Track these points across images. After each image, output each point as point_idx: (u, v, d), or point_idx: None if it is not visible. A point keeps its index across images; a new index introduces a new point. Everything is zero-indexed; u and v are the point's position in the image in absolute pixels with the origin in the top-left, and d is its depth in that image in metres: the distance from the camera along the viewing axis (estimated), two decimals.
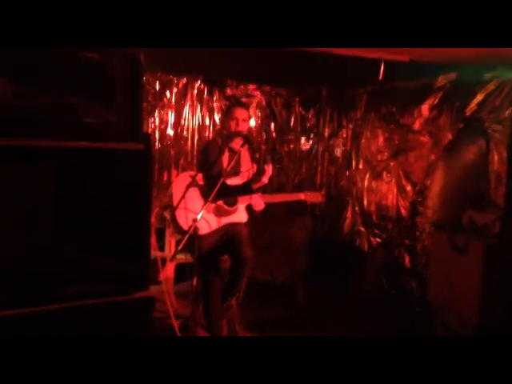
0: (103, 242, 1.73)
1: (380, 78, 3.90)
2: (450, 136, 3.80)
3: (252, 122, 5.17)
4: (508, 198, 2.79)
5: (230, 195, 3.08)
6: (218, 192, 2.72)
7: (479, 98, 3.51)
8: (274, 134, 5.33)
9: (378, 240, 4.62)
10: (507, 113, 3.26)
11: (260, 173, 3.23)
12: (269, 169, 3.21)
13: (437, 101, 3.97)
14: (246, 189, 3.11)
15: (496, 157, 3.34)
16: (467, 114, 3.61)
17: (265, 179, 3.19)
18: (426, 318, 3.31)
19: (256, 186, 3.15)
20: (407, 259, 4.21)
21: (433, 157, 3.99)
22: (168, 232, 4.22)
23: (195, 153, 4.87)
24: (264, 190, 3.31)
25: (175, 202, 2.92)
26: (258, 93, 5.19)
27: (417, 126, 4.17)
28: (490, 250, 2.86)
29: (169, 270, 4.06)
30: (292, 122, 5.38)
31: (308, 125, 5.43)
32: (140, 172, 1.79)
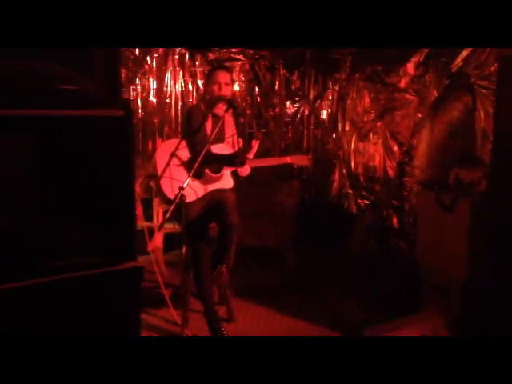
0: (87, 213, 1.69)
1: None
2: (435, 93, 3.76)
3: (236, 87, 5.07)
4: (494, 155, 2.77)
5: (215, 164, 3.04)
6: (203, 160, 2.68)
7: (464, 53, 3.45)
8: (258, 99, 5.25)
9: (366, 202, 4.63)
10: (493, 68, 3.22)
11: (246, 149, 3.16)
12: (255, 145, 3.15)
13: (422, 58, 3.90)
14: (230, 162, 3.05)
15: (482, 113, 3.32)
16: (453, 70, 3.56)
17: (250, 155, 3.13)
18: (415, 277, 3.34)
19: (241, 160, 3.10)
20: (395, 220, 4.23)
21: (419, 115, 3.95)
22: (155, 202, 4.19)
23: (179, 120, 4.79)
24: None
25: (159, 171, 2.88)
26: (240, 56, 5.07)
27: (403, 84, 4.12)
28: (476, 207, 2.87)
29: (157, 240, 4.05)
30: (276, 86, 5.28)
31: (293, 87, 5.34)
32: (121, 139, 1.74)
